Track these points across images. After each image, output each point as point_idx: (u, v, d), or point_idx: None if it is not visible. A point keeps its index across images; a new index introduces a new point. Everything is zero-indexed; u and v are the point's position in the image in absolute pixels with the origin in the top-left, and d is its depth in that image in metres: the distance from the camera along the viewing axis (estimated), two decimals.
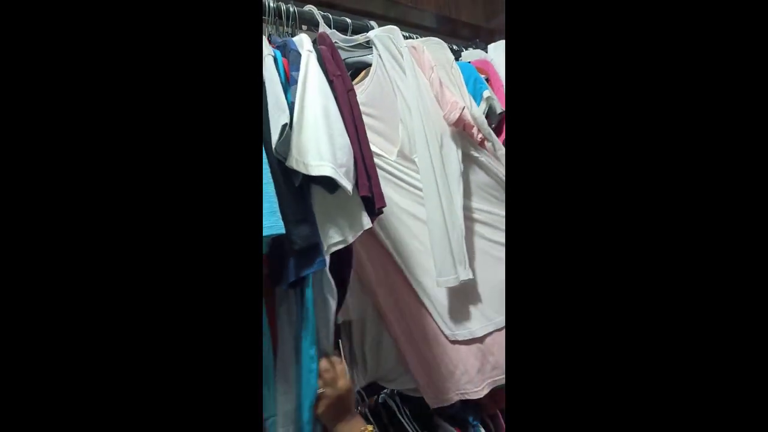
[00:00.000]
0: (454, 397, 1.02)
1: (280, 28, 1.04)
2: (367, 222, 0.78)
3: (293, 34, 1.06)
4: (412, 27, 1.43)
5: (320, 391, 0.80)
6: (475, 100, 1.11)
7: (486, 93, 1.13)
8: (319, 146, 0.72)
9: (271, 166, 0.71)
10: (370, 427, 0.82)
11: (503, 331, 1.04)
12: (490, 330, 1.04)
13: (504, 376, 1.03)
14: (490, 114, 1.13)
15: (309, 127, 0.73)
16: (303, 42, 0.83)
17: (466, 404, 1.08)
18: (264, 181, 0.69)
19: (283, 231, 0.68)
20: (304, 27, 1.10)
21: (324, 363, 0.82)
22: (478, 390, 1.02)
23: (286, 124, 0.71)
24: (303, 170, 0.72)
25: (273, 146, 0.71)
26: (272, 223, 0.67)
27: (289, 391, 0.80)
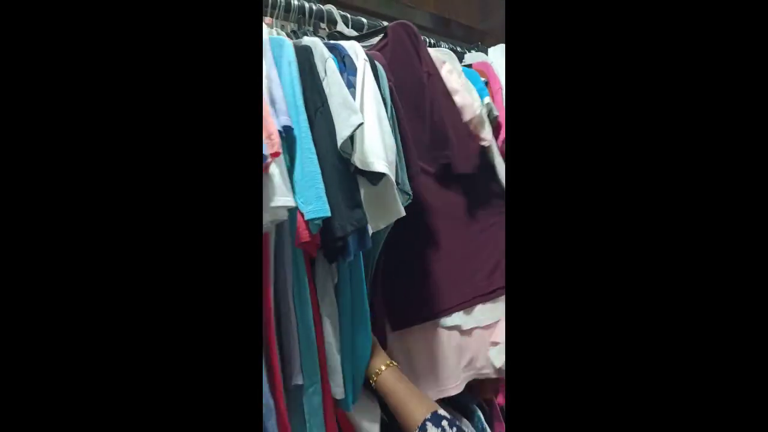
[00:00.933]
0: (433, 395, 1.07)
1: (303, 27, 1.10)
2: (399, 211, 0.87)
3: (315, 32, 1.13)
4: None
5: None
6: None
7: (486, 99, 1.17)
8: (375, 146, 0.81)
9: (322, 156, 0.79)
10: (395, 363, 0.92)
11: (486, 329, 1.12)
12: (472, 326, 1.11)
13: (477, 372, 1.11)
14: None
15: (368, 129, 0.82)
16: (357, 51, 0.91)
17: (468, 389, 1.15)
18: (312, 169, 0.77)
19: (329, 214, 0.76)
20: (323, 25, 1.16)
21: None
22: (456, 384, 1.09)
23: (362, 123, 0.80)
24: (362, 167, 0.81)
25: (339, 142, 0.79)
26: (319, 206, 0.75)
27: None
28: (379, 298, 1.05)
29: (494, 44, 1.39)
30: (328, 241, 0.81)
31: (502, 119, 1.20)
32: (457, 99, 1.10)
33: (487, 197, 1.16)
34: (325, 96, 0.82)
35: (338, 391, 0.89)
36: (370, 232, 0.86)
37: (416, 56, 1.08)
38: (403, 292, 1.07)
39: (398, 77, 1.07)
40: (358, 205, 0.82)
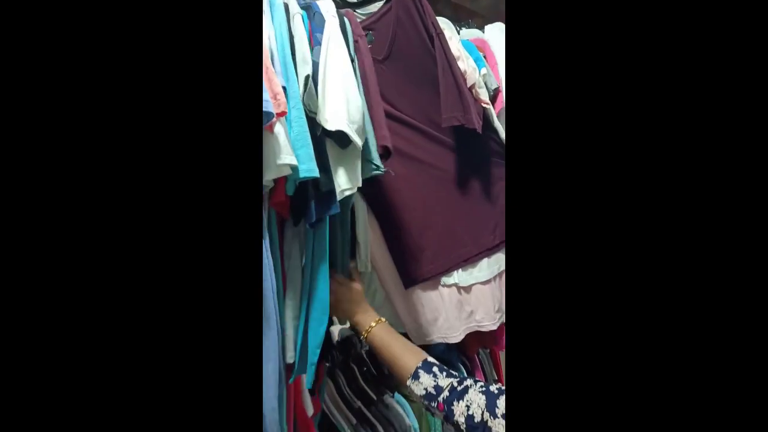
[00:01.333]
0: (436, 339, 1.15)
1: None
2: (356, 179, 0.86)
3: None
4: None
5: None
6: None
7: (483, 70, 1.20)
8: (338, 104, 0.80)
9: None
10: (383, 319, 0.96)
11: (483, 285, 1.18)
12: (471, 282, 1.17)
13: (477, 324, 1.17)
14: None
15: (330, 86, 0.81)
16: (327, 7, 0.91)
17: (449, 346, 1.23)
18: (303, 129, 0.76)
19: (318, 175, 0.76)
20: None
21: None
22: (456, 335, 1.15)
23: (308, 75, 0.79)
24: (324, 125, 0.80)
25: (300, 99, 0.78)
26: (312, 167, 0.76)
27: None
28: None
29: (482, 24, 1.41)
30: (292, 202, 0.82)
31: (500, 90, 1.23)
32: (460, 64, 1.12)
33: (487, 156, 1.20)
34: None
35: (289, 355, 0.89)
36: (340, 196, 0.85)
37: (421, 21, 1.09)
38: (408, 253, 1.12)
39: (403, 43, 1.10)
40: (324, 168, 0.82)
